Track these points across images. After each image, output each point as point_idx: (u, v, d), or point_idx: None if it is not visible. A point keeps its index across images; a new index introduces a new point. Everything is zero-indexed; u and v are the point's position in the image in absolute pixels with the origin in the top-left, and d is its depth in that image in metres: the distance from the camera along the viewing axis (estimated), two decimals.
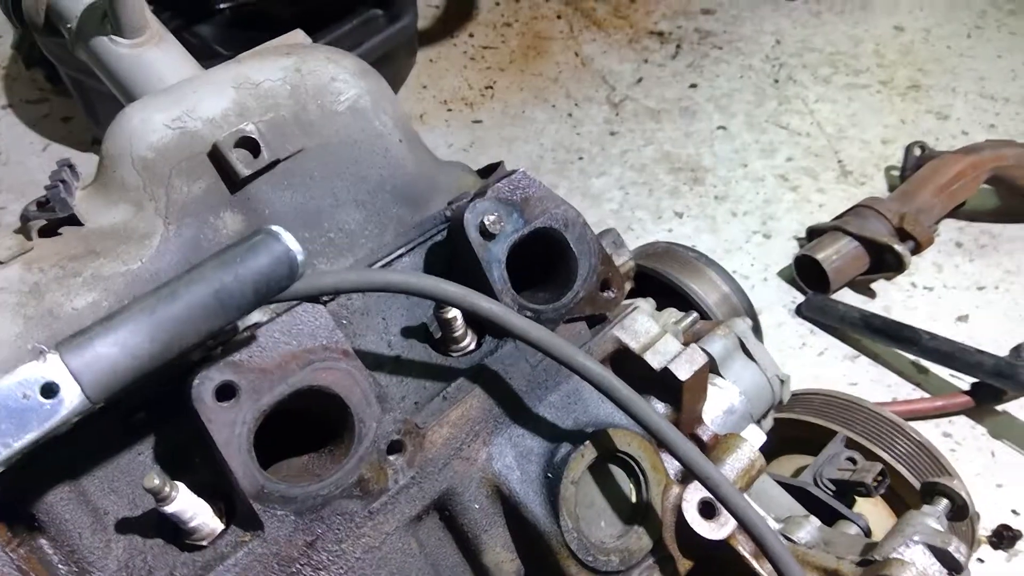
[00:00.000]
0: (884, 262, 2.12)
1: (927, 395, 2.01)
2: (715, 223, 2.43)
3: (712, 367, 1.08)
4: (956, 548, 0.92)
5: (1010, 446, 1.93)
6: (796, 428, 1.34)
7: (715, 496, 0.85)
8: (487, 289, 0.89)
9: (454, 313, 0.88)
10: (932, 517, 0.97)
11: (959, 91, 2.79)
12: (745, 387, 1.09)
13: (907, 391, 2.04)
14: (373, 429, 0.80)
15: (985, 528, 1.79)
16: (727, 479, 0.85)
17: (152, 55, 1.00)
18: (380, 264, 0.91)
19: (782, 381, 1.12)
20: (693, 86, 2.84)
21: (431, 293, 0.79)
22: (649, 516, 0.90)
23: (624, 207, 2.50)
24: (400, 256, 0.93)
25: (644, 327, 0.98)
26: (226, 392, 0.74)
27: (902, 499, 1.28)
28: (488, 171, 1.13)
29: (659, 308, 1.45)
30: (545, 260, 0.97)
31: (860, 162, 2.58)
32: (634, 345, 0.96)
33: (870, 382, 2.06)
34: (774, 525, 1.01)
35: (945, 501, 1.00)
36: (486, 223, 0.88)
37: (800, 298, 2.22)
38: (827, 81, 2.85)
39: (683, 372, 0.94)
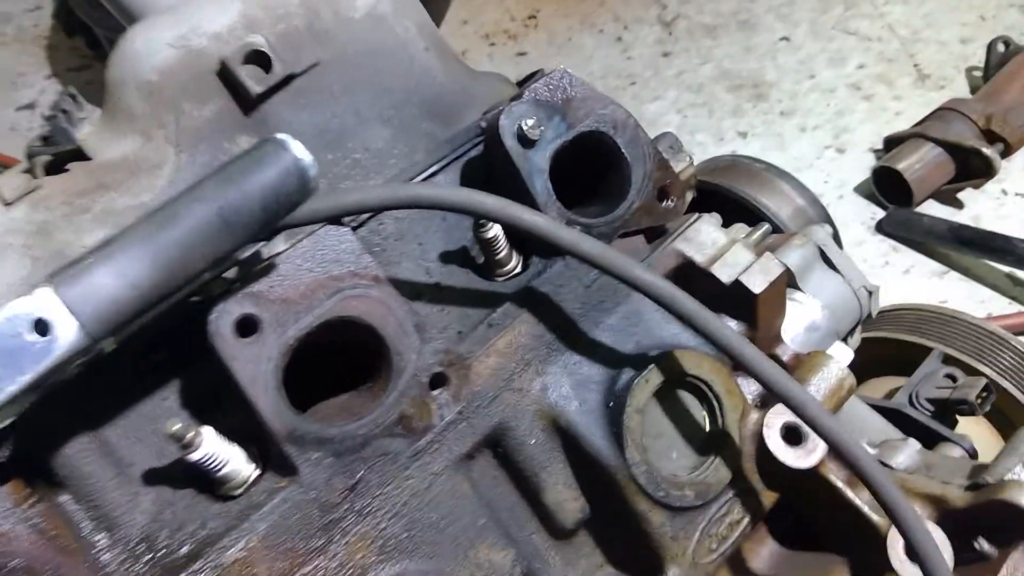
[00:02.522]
0: (971, 168, 1.95)
1: None
2: (783, 140, 2.28)
3: (790, 280, 0.97)
4: None
5: None
6: (887, 347, 1.23)
7: (801, 418, 0.75)
8: (530, 203, 0.80)
9: (495, 231, 0.79)
10: None
11: None
12: (828, 300, 0.97)
13: (1002, 306, 1.89)
14: (412, 361, 0.72)
15: None
16: (814, 399, 0.75)
17: None
18: (412, 180, 0.83)
19: (870, 292, 1.01)
20: None
21: (466, 206, 0.70)
22: (726, 445, 0.81)
23: (683, 131, 2.35)
24: (433, 174, 0.84)
25: (710, 238, 0.88)
26: (247, 326, 0.67)
27: (1009, 418, 1.15)
28: (529, 81, 1.03)
29: (726, 225, 1.34)
30: (595, 170, 0.87)
31: (939, 64, 2.38)
32: (699, 258, 0.86)
33: (962, 298, 1.91)
34: (869, 451, 0.91)
35: None
36: (524, 128, 0.79)
37: (881, 214, 2.06)
38: None
39: (757, 284, 0.83)
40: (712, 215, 1.13)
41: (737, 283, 0.84)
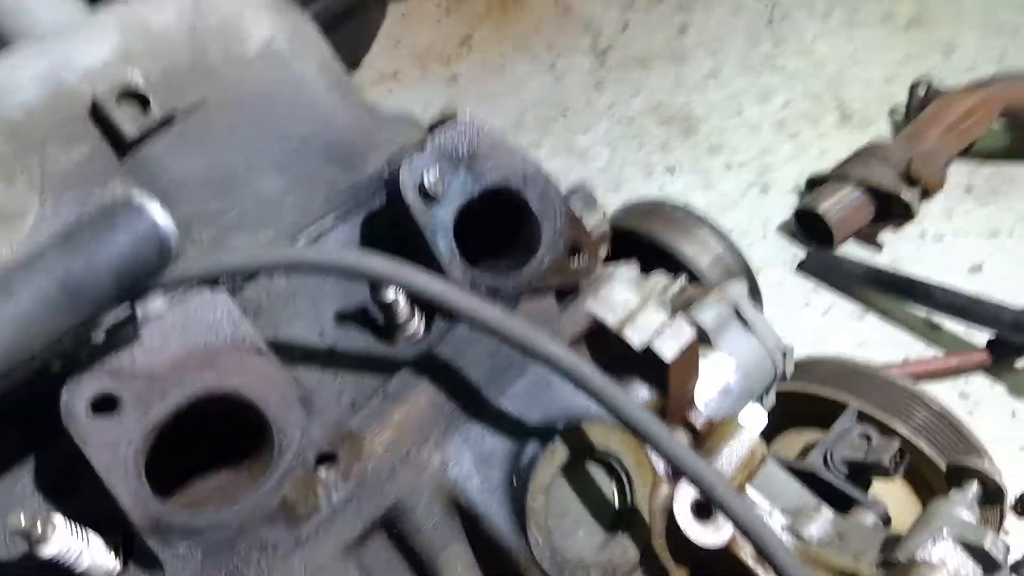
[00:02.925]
0: (891, 210, 1.97)
1: (941, 353, 1.88)
2: (709, 178, 2.28)
3: (704, 339, 0.94)
4: (992, 542, 0.78)
5: None
6: (802, 401, 1.21)
7: (710, 497, 0.71)
8: (433, 262, 0.75)
9: (394, 294, 0.74)
10: (962, 505, 0.83)
11: (966, 22, 2.61)
12: (742, 360, 0.95)
13: (920, 349, 1.91)
14: (297, 439, 0.66)
15: (1011, 496, 1.66)
16: (723, 477, 0.71)
17: None
18: (306, 238, 0.77)
19: (784, 353, 0.98)
20: (682, 31, 2.67)
21: (355, 270, 0.65)
22: (635, 522, 0.77)
23: (612, 164, 2.34)
24: (331, 227, 0.78)
25: (621, 298, 0.84)
26: (105, 405, 0.60)
27: (924, 478, 1.15)
28: (438, 127, 0.98)
29: (645, 271, 1.31)
30: (504, 224, 0.83)
31: (863, 103, 2.41)
32: (611, 320, 0.82)
33: (880, 341, 1.92)
34: (782, 520, 0.88)
35: (976, 485, 0.87)
36: (427, 183, 0.74)
37: (802, 254, 2.07)
38: (825, 17, 2.66)
39: (669, 351, 0.80)
40: (629, 266, 1.10)
41: (648, 350, 0.80)
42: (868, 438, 1.08)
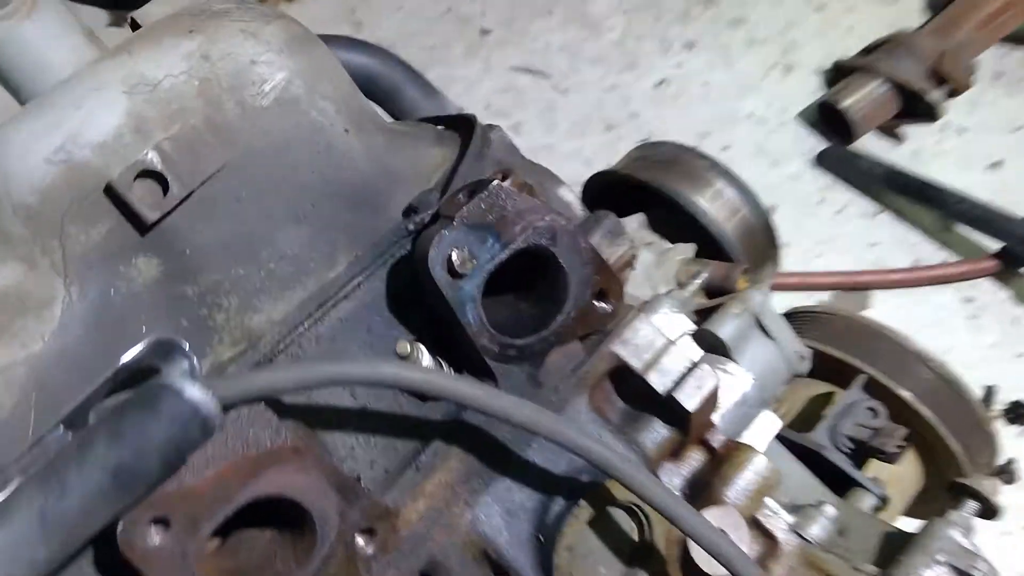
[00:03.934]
0: (915, 108, 1.90)
1: (951, 256, 1.89)
2: (729, 55, 2.17)
3: (723, 351, 0.95)
4: (986, 573, 0.85)
5: None
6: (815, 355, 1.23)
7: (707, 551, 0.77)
8: (459, 330, 0.75)
9: (415, 352, 0.75)
10: (959, 528, 0.89)
11: None
12: (760, 369, 0.97)
13: (930, 252, 1.92)
14: (336, 524, 0.70)
15: (1002, 401, 1.74)
16: (710, 528, 0.76)
17: (28, 32, 0.77)
18: (334, 300, 0.77)
19: (803, 358, 1.00)
20: None
21: (393, 382, 0.66)
22: (652, 557, 0.82)
23: (627, 37, 2.22)
24: (357, 285, 0.78)
25: (646, 339, 0.84)
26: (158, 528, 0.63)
27: (928, 442, 1.20)
28: (455, 124, 0.94)
29: (660, 223, 1.30)
30: (531, 266, 0.82)
31: None
32: (636, 363, 0.84)
33: (891, 242, 1.93)
34: (788, 519, 0.94)
35: (974, 503, 0.92)
36: (454, 261, 0.72)
37: (821, 145, 2.03)
38: None
39: (691, 401, 0.82)
40: (648, 245, 1.10)
41: (671, 398, 0.82)
42: (875, 412, 1.12)
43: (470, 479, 0.77)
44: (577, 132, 2.09)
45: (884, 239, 1.93)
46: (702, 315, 1.03)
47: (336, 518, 0.69)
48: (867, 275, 1.85)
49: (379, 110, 1.18)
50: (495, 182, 0.75)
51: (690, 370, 0.83)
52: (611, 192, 1.35)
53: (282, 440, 0.67)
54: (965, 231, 1.90)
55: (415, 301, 0.79)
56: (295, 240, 0.77)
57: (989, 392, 1.75)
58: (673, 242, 1.33)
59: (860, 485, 1.08)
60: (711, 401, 0.85)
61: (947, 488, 0.96)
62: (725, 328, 0.95)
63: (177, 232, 0.72)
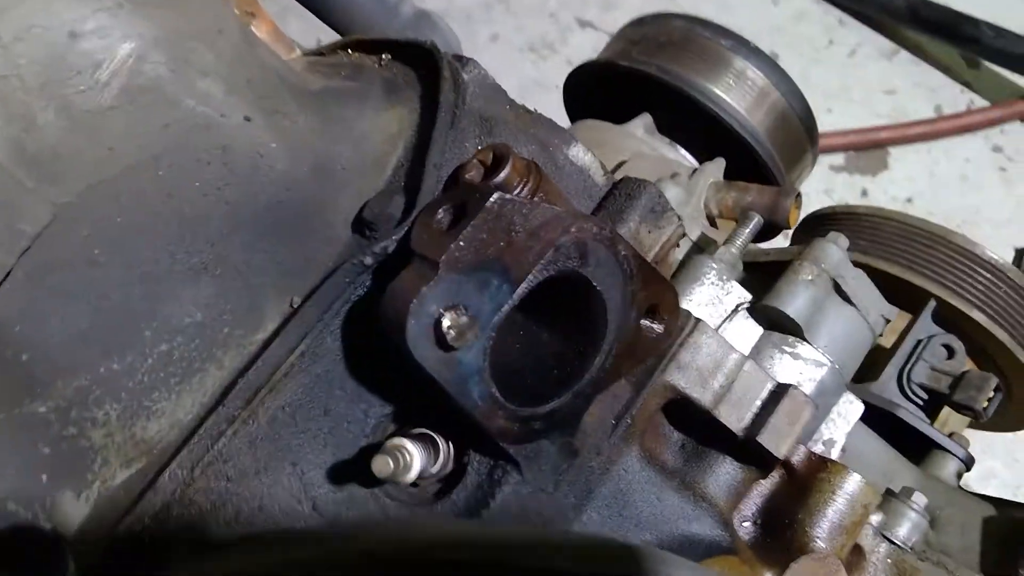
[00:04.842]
0: None
1: (977, 99, 1.65)
2: None
3: (797, 331, 0.72)
4: None
5: None
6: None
7: None
8: (461, 413, 0.51)
9: (400, 460, 0.51)
10: None
11: None
12: (839, 345, 0.74)
13: (954, 94, 1.67)
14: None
15: None
16: None
17: None
18: (269, 382, 0.51)
19: (887, 320, 0.78)
20: None
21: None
22: None
23: None
24: (300, 353, 0.52)
25: (711, 358, 0.61)
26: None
27: (995, 362, 1.01)
28: (407, 54, 0.65)
29: (670, 122, 1.03)
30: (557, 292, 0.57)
31: None
32: (703, 396, 0.61)
33: (910, 87, 1.67)
34: (875, 520, 0.75)
35: None
36: (446, 330, 0.47)
37: None
38: None
39: (782, 446, 0.60)
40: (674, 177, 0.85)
41: (754, 442, 0.60)
42: (950, 350, 0.92)
43: None
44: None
45: (902, 85, 1.67)
46: (753, 269, 0.79)
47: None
48: (885, 131, 1.61)
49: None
50: (495, 196, 0.48)
51: (774, 398, 0.61)
52: (603, 88, 1.07)
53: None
54: (992, 69, 1.64)
55: (386, 352, 0.54)
56: (196, 300, 0.51)
57: (1021, 255, 1.57)
58: (687, 144, 1.07)
59: (942, 447, 0.89)
60: (806, 434, 0.63)
61: None
62: (796, 302, 0.71)
63: (11, 328, 0.46)
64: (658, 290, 0.57)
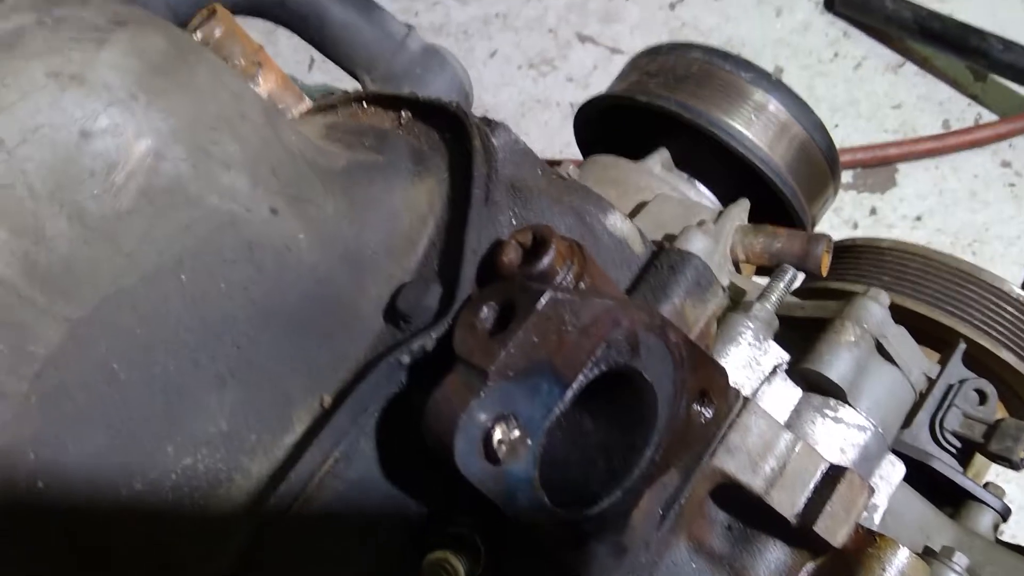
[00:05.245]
0: None
1: (985, 112, 1.62)
2: None
3: (840, 395, 0.69)
4: None
5: None
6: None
7: None
8: (504, 521, 0.48)
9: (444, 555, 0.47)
10: None
11: None
12: (882, 407, 0.72)
13: (962, 107, 1.64)
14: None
15: None
16: None
17: None
18: (302, 492, 0.48)
19: (929, 378, 0.75)
20: None
21: None
22: None
23: None
24: (335, 459, 0.48)
25: (761, 440, 0.58)
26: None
27: (1018, 395, 0.98)
28: (428, 112, 0.61)
29: (688, 156, 0.99)
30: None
31: None
32: (751, 479, 0.58)
33: (917, 101, 1.64)
34: None
35: None
36: (496, 443, 0.43)
37: None
38: None
39: (840, 536, 0.57)
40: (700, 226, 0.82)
41: (811, 532, 0.57)
42: (982, 396, 0.89)
43: None
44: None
45: (908, 98, 1.64)
46: (787, 324, 0.76)
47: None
48: (893, 147, 1.58)
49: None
50: (546, 298, 0.44)
51: (829, 480, 0.58)
52: (616, 121, 1.03)
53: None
54: (1000, 82, 1.62)
55: (423, 453, 0.50)
56: (219, 410, 0.47)
57: None
58: (705, 180, 1.03)
59: (976, 499, 0.86)
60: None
61: None
62: (839, 365, 0.68)
63: (29, 462, 0.42)
64: (708, 374, 0.54)
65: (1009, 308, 0.98)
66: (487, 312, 0.46)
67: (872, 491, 0.60)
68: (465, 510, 0.51)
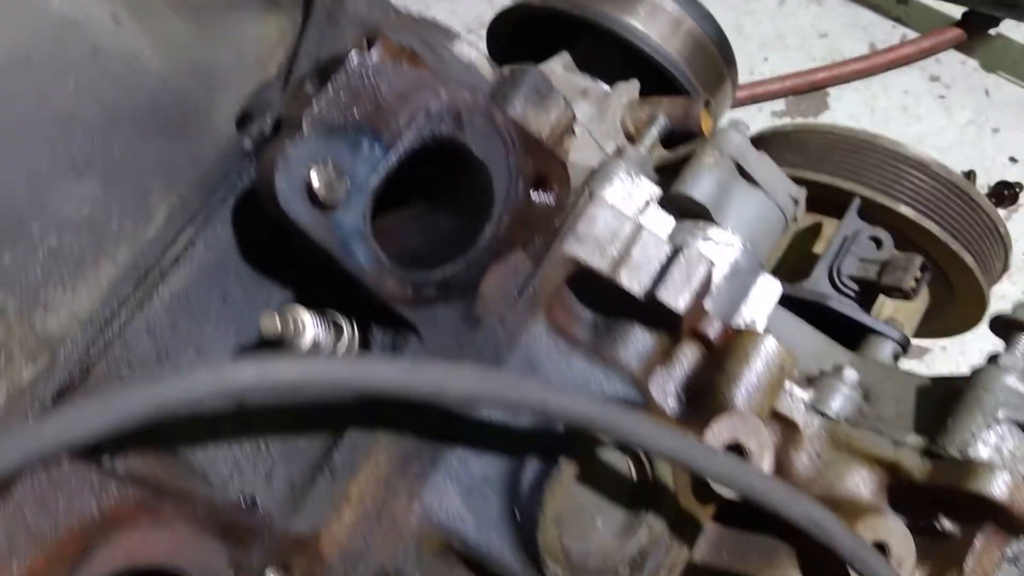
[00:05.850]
0: None
1: (910, 32, 1.68)
2: None
3: (705, 214, 0.74)
4: None
5: (1006, 78, 1.65)
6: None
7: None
8: (350, 278, 0.53)
9: (290, 322, 0.52)
10: (1013, 373, 0.73)
11: None
12: (750, 227, 0.76)
13: (886, 30, 1.70)
14: None
15: (982, 185, 1.58)
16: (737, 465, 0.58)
17: None
18: (160, 269, 0.53)
19: (796, 201, 0.80)
20: None
21: (239, 389, 0.44)
22: (659, 492, 0.65)
23: None
24: (191, 241, 0.54)
25: (608, 227, 0.63)
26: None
27: (931, 257, 1.02)
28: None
29: (590, 59, 1.05)
30: (436, 162, 0.59)
31: None
32: (601, 263, 0.63)
33: (843, 28, 1.71)
34: (804, 397, 0.77)
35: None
36: (316, 186, 0.49)
37: None
38: None
39: (681, 299, 0.62)
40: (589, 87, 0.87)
41: (655, 301, 0.62)
42: (878, 242, 0.94)
43: (408, 465, 0.57)
44: None
45: (834, 27, 1.71)
46: (666, 172, 0.81)
47: (229, 573, 0.49)
48: (822, 71, 1.64)
49: None
50: (353, 53, 0.50)
51: (671, 258, 0.63)
52: (524, 33, 1.09)
53: (113, 498, 0.45)
54: (921, 1, 1.68)
55: (282, 239, 0.55)
56: (80, 196, 0.53)
57: (968, 177, 1.59)
58: (609, 81, 1.09)
59: (875, 331, 0.90)
60: (704, 290, 0.65)
61: (991, 326, 0.79)
62: (701, 185, 0.73)
63: None
64: (545, 159, 0.60)
65: (906, 168, 1.03)
66: (310, 83, 0.52)
67: (712, 264, 0.64)
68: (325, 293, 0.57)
